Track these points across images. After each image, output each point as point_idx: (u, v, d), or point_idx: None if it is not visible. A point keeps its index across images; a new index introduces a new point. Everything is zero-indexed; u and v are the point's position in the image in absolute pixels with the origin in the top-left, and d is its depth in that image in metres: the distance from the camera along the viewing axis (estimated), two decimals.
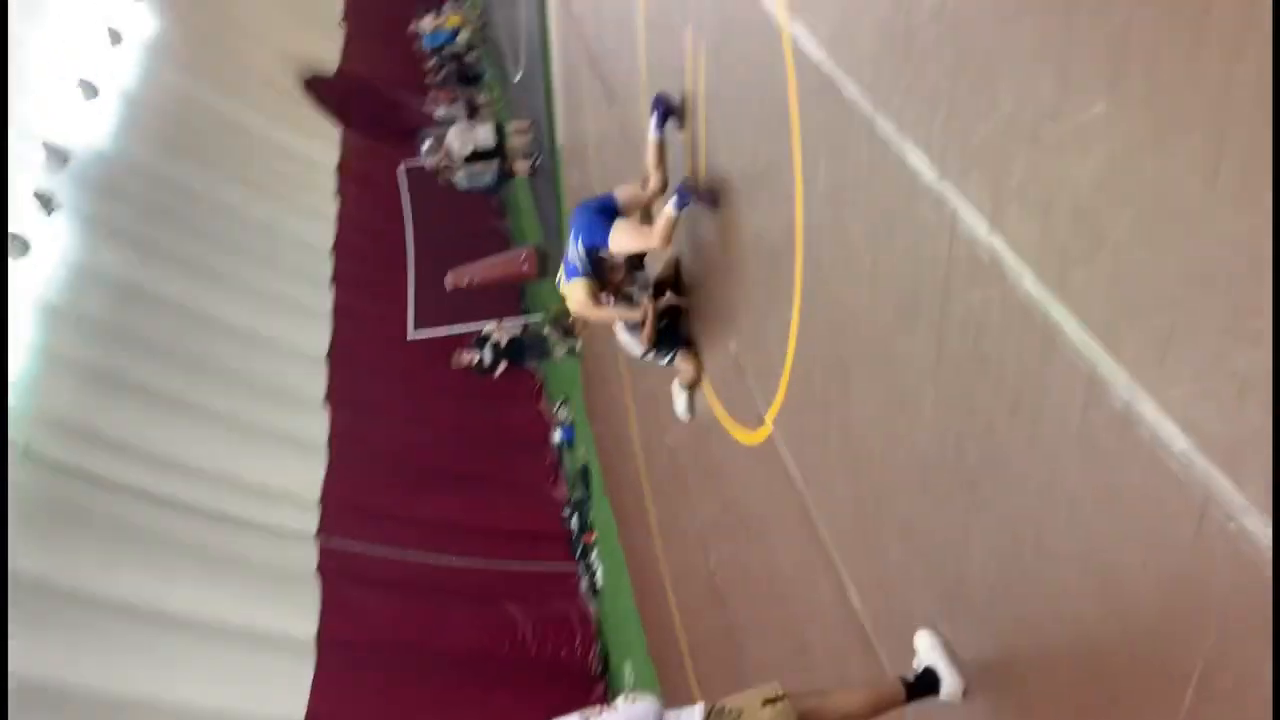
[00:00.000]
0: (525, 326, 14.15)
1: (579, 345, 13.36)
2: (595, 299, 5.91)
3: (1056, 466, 2.51)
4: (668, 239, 5.49)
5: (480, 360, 13.38)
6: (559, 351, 14.12)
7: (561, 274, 6.04)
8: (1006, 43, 2.52)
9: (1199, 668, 2.09)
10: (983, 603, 3.09)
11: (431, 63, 21.90)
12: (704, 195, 5.35)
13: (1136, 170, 2.10)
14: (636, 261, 6.10)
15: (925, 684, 3.37)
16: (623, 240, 5.68)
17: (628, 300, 6.15)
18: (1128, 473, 2.22)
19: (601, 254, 5.80)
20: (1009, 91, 2.52)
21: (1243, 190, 1.82)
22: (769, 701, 3.14)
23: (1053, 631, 2.71)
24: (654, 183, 5.83)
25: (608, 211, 5.74)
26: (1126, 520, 2.27)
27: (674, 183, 5.61)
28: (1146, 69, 2.04)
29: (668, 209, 5.35)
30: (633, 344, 6.33)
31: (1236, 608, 1.97)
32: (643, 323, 6.10)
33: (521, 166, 15.46)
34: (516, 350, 13.70)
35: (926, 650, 3.42)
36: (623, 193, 5.85)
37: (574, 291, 5.93)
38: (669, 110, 5.74)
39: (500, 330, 13.69)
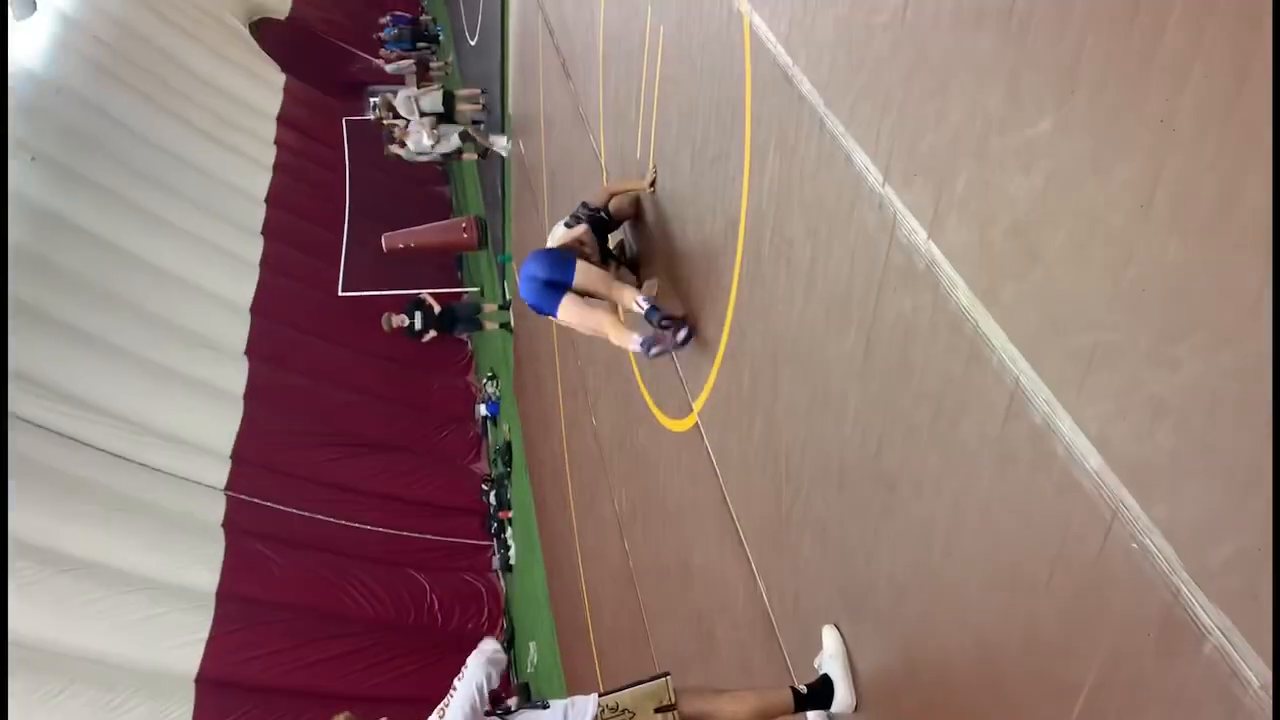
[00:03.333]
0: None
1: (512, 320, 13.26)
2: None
3: (973, 474, 2.55)
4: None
5: (410, 324, 13.23)
6: (491, 323, 14.02)
7: None
8: (962, 53, 2.53)
9: (1090, 681, 2.14)
10: (889, 603, 3.13)
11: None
12: (671, 325, 4.92)
13: (1075, 190, 2.12)
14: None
15: (818, 694, 3.40)
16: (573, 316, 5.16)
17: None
18: (1041, 485, 2.26)
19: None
20: (959, 102, 2.53)
21: (1175, 218, 1.85)
22: (661, 710, 3.18)
23: (953, 635, 2.75)
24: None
25: (558, 278, 5.13)
26: (1036, 531, 2.31)
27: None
28: (1093, 92, 2.06)
29: (632, 349, 5.09)
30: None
31: (1132, 625, 2.01)
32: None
33: (469, 154, 15.34)
34: (448, 318, 13.56)
35: (830, 654, 3.45)
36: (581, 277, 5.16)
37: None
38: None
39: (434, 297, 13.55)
